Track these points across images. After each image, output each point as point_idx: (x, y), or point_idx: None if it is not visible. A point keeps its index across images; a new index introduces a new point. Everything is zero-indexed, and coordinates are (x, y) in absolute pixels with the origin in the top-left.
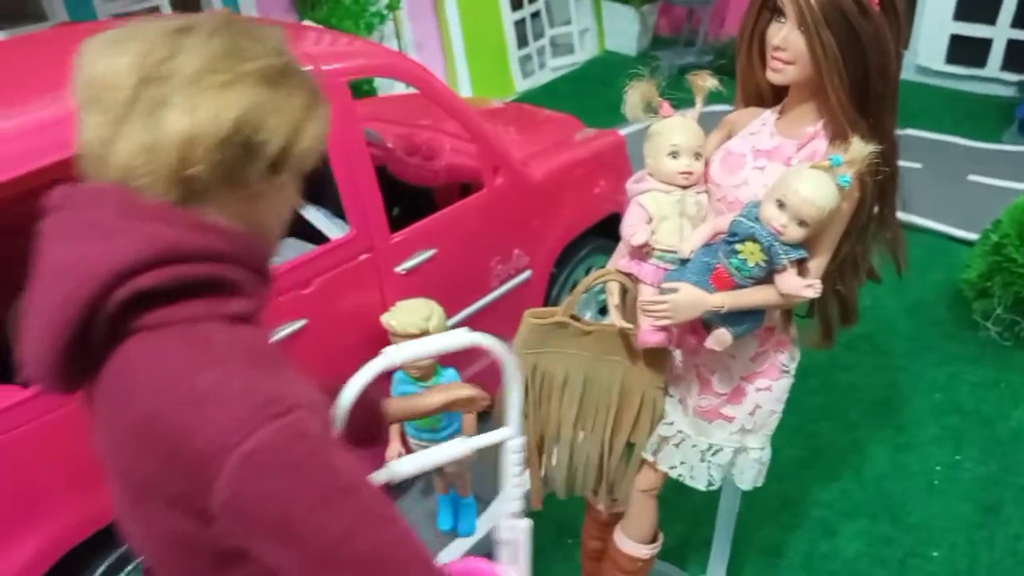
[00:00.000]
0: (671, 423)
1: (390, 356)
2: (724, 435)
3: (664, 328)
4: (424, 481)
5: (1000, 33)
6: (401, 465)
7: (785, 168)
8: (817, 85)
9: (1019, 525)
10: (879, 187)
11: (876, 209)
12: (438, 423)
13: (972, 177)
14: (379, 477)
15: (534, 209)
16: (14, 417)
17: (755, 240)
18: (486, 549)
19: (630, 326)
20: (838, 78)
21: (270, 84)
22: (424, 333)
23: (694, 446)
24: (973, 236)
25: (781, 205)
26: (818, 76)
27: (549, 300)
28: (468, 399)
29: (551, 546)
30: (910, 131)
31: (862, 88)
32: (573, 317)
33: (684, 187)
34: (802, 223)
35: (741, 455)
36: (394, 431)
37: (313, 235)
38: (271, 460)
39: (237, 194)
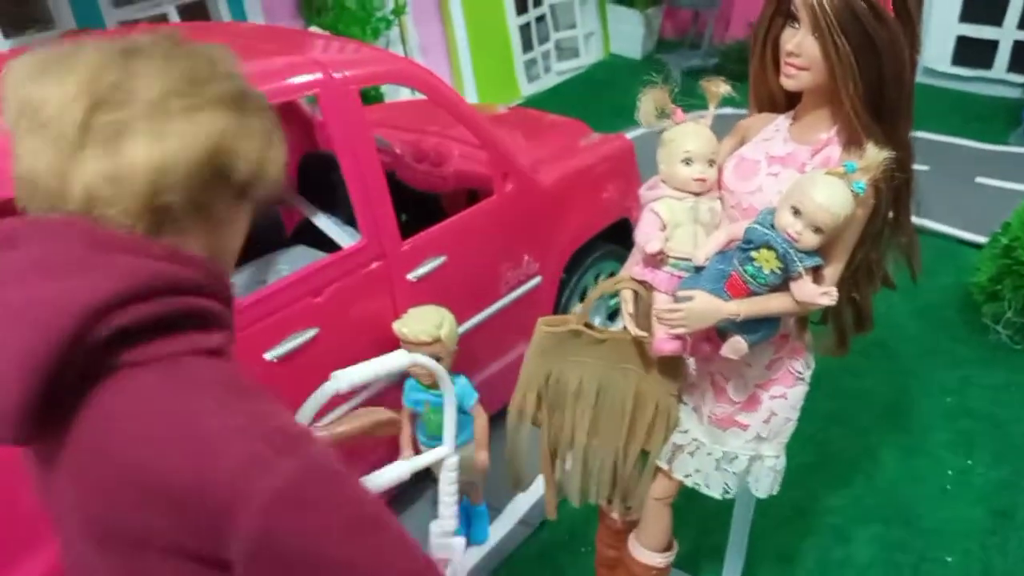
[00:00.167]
0: (686, 431)
1: (340, 380)
2: (739, 443)
3: (679, 336)
4: (435, 489)
5: (1006, 34)
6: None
7: (799, 174)
8: (831, 91)
9: None
10: (894, 193)
11: (891, 215)
12: None
13: (980, 179)
14: None
15: (543, 215)
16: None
17: (770, 247)
18: (499, 558)
19: (645, 334)
20: (853, 84)
21: (235, 108)
22: (436, 340)
23: (709, 454)
24: (982, 239)
25: (796, 212)
26: (832, 82)
27: (559, 306)
28: (389, 421)
29: (564, 555)
30: (917, 133)
31: (877, 94)
32: (587, 325)
33: (698, 194)
34: (817, 230)
35: (756, 463)
36: (406, 439)
37: (322, 243)
38: (296, 496)
39: (204, 222)
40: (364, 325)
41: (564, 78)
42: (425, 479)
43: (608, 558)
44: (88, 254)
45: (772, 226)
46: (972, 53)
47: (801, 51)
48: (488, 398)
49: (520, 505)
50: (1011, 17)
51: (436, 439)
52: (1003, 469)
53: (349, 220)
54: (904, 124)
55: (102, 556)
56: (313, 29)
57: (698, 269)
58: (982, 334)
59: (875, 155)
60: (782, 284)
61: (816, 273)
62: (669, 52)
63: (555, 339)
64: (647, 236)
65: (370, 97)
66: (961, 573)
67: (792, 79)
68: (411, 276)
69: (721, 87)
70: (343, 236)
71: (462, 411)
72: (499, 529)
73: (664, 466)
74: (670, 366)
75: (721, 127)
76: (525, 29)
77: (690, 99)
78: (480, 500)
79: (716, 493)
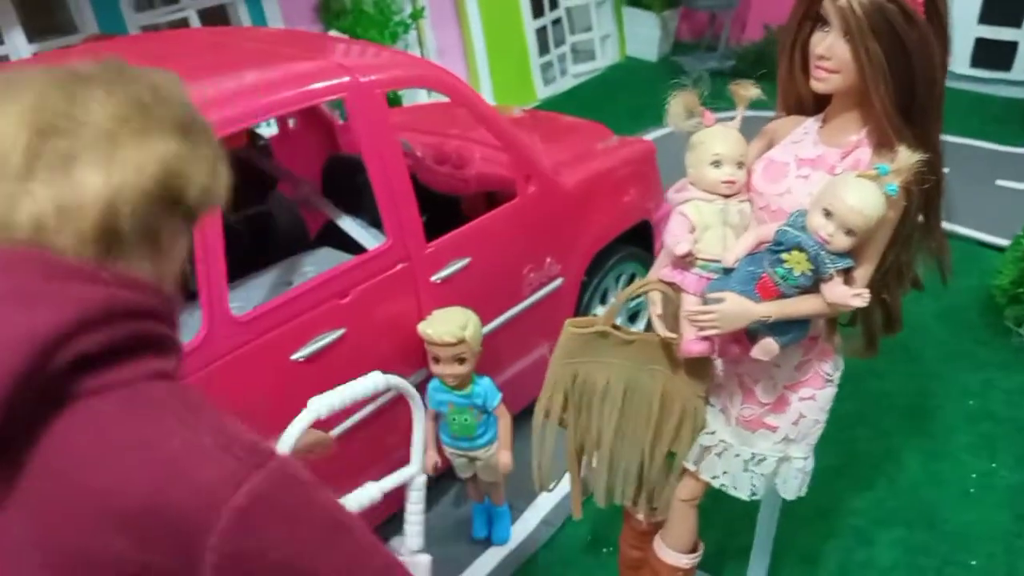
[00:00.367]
0: (713, 432)
1: (314, 408)
2: (767, 444)
3: (708, 337)
4: (457, 489)
5: None
6: None
7: (829, 177)
8: (861, 93)
9: None
10: (924, 196)
11: (921, 218)
12: (474, 431)
13: (1000, 182)
14: None
15: (566, 217)
16: None
17: (801, 249)
18: (521, 558)
19: (674, 336)
20: (884, 87)
21: (183, 133)
22: (461, 341)
23: (737, 455)
24: (1003, 241)
25: (828, 214)
26: (863, 85)
27: (580, 307)
28: (324, 443)
29: (587, 555)
30: None
31: (908, 97)
32: (614, 326)
33: (727, 196)
34: (849, 232)
35: (784, 464)
36: (430, 440)
37: (346, 245)
38: (267, 509)
39: (152, 247)
40: (389, 326)
41: (580, 80)
42: (446, 476)
43: (632, 559)
44: (41, 284)
45: (803, 228)
46: (991, 55)
47: (832, 54)
48: (510, 399)
49: (542, 505)
50: None
51: (460, 440)
52: None
53: (373, 222)
54: (934, 126)
55: None
56: (332, 33)
57: (727, 271)
58: (1004, 337)
59: (907, 157)
60: (812, 286)
61: (847, 275)
62: (685, 54)
63: (582, 340)
64: (676, 238)
65: (388, 101)
66: None
67: (822, 82)
68: (435, 278)
69: (750, 90)
70: (368, 238)
71: (486, 412)
72: (521, 529)
73: (691, 467)
74: (698, 367)
75: (744, 130)
76: (541, 32)
77: (713, 102)
78: (502, 500)
79: (744, 495)
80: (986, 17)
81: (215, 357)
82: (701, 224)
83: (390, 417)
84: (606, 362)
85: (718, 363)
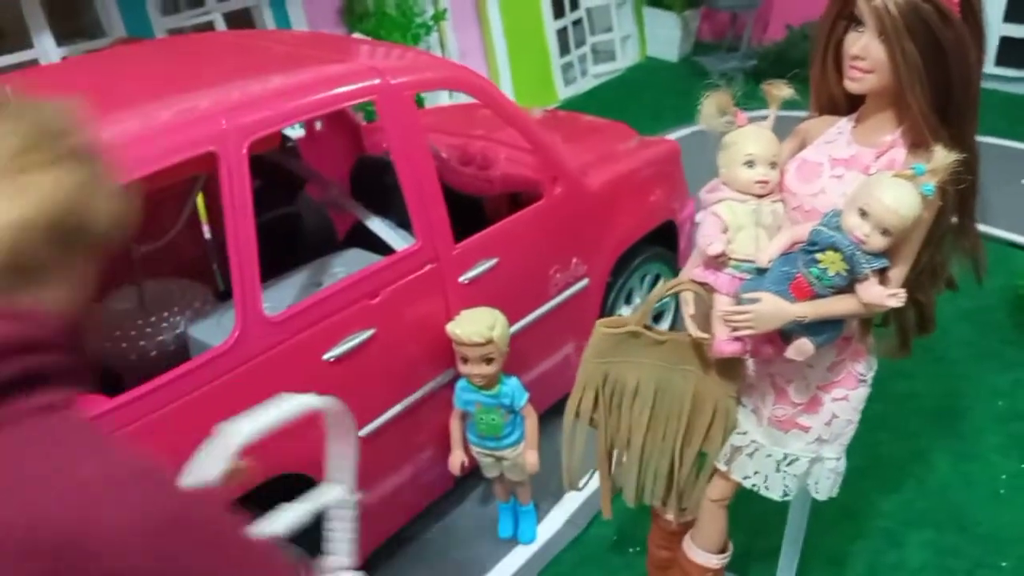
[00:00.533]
0: (744, 433)
1: (235, 439)
2: (800, 445)
3: (740, 338)
4: (483, 489)
5: None
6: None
7: (863, 177)
8: (896, 93)
9: None
10: (960, 196)
11: (956, 218)
12: (501, 431)
13: None
14: None
15: (591, 218)
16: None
17: (836, 249)
18: (547, 558)
19: (706, 336)
20: (920, 87)
21: (86, 162)
22: (489, 341)
23: (769, 456)
24: None
25: (864, 214)
26: (898, 85)
27: (605, 308)
28: (242, 472)
29: (613, 555)
30: None
31: (944, 96)
32: (645, 327)
33: (760, 196)
34: (885, 232)
35: (817, 465)
36: (457, 440)
37: (374, 245)
38: (178, 536)
39: (60, 276)
40: (418, 326)
41: (601, 81)
42: (472, 476)
43: (661, 559)
44: None
45: (838, 228)
46: (1016, 53)
47: (867, 54)
48: (535, 398)
49: (568, 505)
50: None
51: (487, 439)
52: None
53: (401, 223)
54: (970, 126)
55: None
56: (356, 36)
57: (760, 271)
58: None
59: (944, 157)
60: (847, 286)
61: (882, 275)
62: (706, 55)
63: (613, 340)
64: (709, 238)
65: None
66: None
67: (857, 82)
68: (463, 278)
69: (783, 90)
70: (396, 239)
71: (513, 411)
72: (547, 529)
73: (723, 468)
74: (729, 367)
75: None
76: (562, 33)
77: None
78: (528, 500)
79: (776, 495)
80: (1011, 15)
81: (248, 357)
82: (734, 224)
83: (418, 416)
84: (637, 362)
85: (749, 363)
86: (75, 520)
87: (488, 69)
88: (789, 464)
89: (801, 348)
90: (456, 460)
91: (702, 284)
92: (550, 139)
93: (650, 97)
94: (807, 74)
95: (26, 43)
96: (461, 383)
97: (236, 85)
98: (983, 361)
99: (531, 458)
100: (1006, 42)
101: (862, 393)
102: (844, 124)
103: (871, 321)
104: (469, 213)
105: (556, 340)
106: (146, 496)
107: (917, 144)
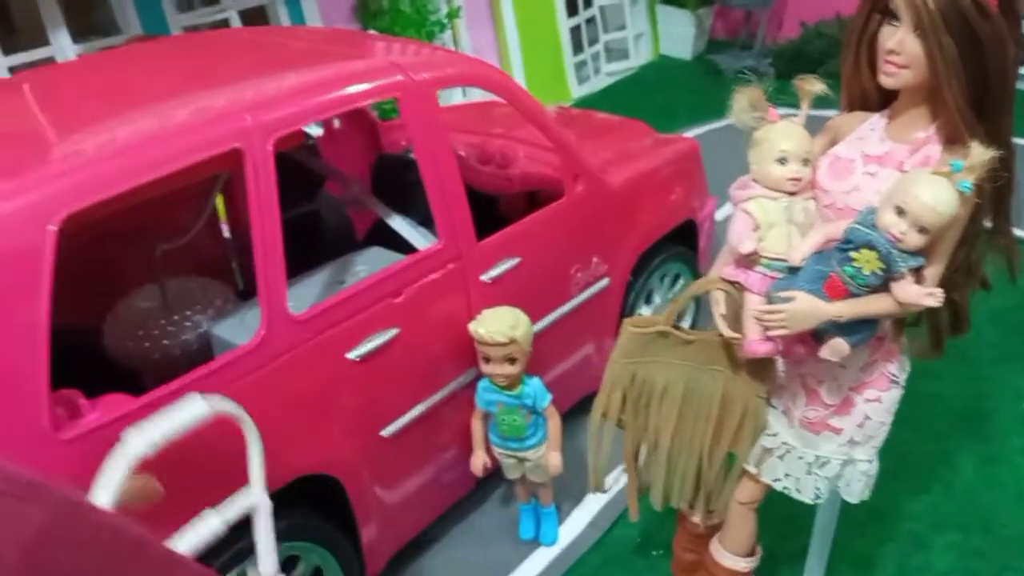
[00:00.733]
0: (775, 434)
1: (132, 449)
2: (832, 447)
3: (772, 338)
4: (505, 490)
5: None
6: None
7: (897, 173)
8: (931, 88)
9: None
10: (995, 193)
11: (990, 216)
12: (523, 432)
13: None
14: None
15: (612, 216)
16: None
17: (872, 247)
18: (569, 560)
19: (737, 336)
20: (956, 82)
21: None
22: (512, 341)
23: (800, 458)
24: None
25: (900, 212)
26: (934, 80)
27: (625, 307)
28: (152, 491)
29: (636, 557)
30: None
31: (981, 92)
32: (674, 326)
33: (792, 193)
34: (922, 230)
35: (848, 467)
36: (479, 441)
37: (395, 243)
38: (53, 542)
39: None
40: (441, 325)
41: (614, 79)
42: (493, 477)
43: (687, 562)
44: None
45: (874, 226)
46: None
47: (902, 49)
48: (556, 398)
49: (589, 507)
50: None
51: (509, 440)
52: None
53: (422, 221)
54: (1006, 122)
55: None
56: (371, 32)
57: (792, 270)
58: None
59: (981, 153)
60: (881, 285)
61: (917, 274)
62: (720, 52)
63: (642, 340)
64: (740, 236)
65: None
66: None
67: (892, 77)
68: (485, 277)
69: (816, 85)
70: (418, 238)
71: (535, 412)
72: (569, 531)
73: (752, 470)
74: (759, 368)
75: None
76: (575, 31)
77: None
78: (550, 501)
79: (808, 498)
80: None
81: (274, 356)
82: (765, 222)
83: (440, 417)
84: (666, 362)
85: (780, 364)
86: None
87: (501, 67)
88: (820, 466)
89: (836, 348)
90: (478, 461)
91: (732, 283)
92: (571, 137)
93: (663, 95)
94: (828, 70)
95: (42, 40)
96: (483, 383)
97: (258, 81)
98: (1008, 363)
99: (555, 460)
100: None
101: (895, 394)
102: (876, 120)
103: (904, 321)
104: (486, 211)
105: (577, 340)
106: (10, 510)
107: (952, 140)
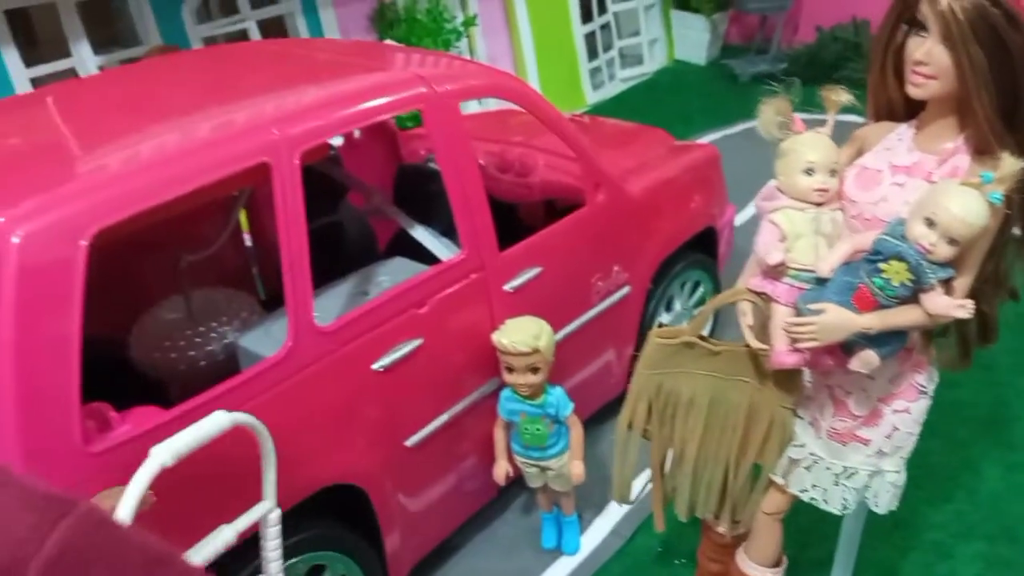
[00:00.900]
0: (802, 445)
1: (158, 457)
2: (860, 458)
3: (800, 349)
4: (527, 498)
5: None
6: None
7: (926, 184)
8: (959, 99)
9: None
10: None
11: (1019, 225)
12: (545, 441)
13: None
14: None
15: (633, 225)
16: (158, 439)
17: (901, 259)
18: (591, 569)
19: (765, 347)
20: (986, 93)
21: None
22: (535, 351)
23: (828, 469)
24: None
25: (930, 223)
26: (963, 90)
27: (646, 316)
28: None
29: (658, 567)
30: None
31: (1011, 102)
32: (700, 337)
33: (818, 204)
34: (952, 241)
35: (876, 478)
36: (501, 450)
37: (417, 254)
38: (77, 557)
39: None
40: (464, 335)
41: (628, 85)
42: (515, 485)
43: (712, 572)
44: None
45: (903, 237)
46: None
47: (930, 60)
48: (577, 407)
49: (611, 515)
50: None
51: (531, 449)
52: None
53: (444, 232)
54: None
55: None
56: (388, 42)
57: (820, 281)
58: None
59: (1012, 165)
60: (910, 296)
61: (947, 285)
62: (735, 58)
63: (668, 351)
64: (767, 247)
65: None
66: None
67: (919, 88)
68: (508, 287)
69: (842, 95)
70: (441, 248)
71: (558, 421)
72: (591, 540)
73: (780, 481)
74: (787, 379)
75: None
76: (590, 37)
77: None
78: (572, 510)
79: (835, 508)
80: None
81: (301, 367)
82: (792, 233)
83: (463, 426)
84: (692, 373)
85: (807, 375)
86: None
87: (516, 74)
88: (848, 477)
89: (866, 360)
90: (500, 470)
91: (759, 294)
92: (592, 146)
93: (678, 101)
94: (844, 75)
95: (64, 52)
96: (506, 392)
97: (284, 95)
98: None
99: (577, 469)
100: None
101: (923, 405)
102: (904, 130)
103: (932, 332)
104: (505, 219)
105: (598, 348)
106: (34, 525)
107: (981, 151)
